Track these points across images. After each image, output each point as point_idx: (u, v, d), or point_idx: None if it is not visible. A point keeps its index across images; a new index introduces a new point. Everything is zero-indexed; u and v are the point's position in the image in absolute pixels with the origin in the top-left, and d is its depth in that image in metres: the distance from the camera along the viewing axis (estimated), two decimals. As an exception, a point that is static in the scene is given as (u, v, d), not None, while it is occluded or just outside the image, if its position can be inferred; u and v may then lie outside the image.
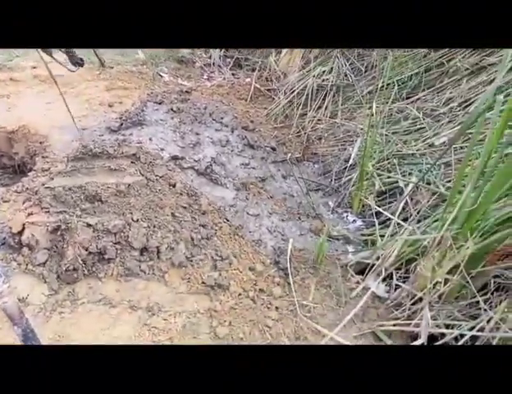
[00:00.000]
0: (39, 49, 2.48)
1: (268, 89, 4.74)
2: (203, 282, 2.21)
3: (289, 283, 2.28)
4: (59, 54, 2.79)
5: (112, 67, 4.62)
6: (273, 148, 3.66)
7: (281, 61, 5.01)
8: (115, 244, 2.22)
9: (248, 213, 2.79)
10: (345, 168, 3.30)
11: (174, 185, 2.61)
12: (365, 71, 4.24)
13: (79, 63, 2.49)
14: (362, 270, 2.40)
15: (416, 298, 1.99)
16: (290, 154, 3.48)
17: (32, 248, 2.19)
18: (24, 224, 2.23)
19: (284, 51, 4.95)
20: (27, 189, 2.63)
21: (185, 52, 5.52)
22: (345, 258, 2.51)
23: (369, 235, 2.69)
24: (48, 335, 1.80)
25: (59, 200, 2.31)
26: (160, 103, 3.69)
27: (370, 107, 3.49)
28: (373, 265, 2.31)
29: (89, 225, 2.21)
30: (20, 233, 2.22)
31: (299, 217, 2.91)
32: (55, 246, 2.18)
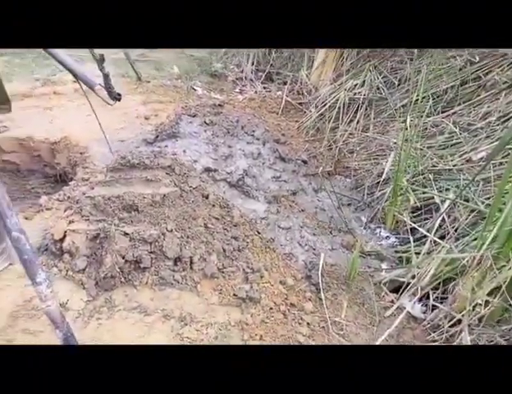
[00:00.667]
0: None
1: (300, 103, 4.77)
2: (234, 294, 2.23)
3: (320, 299, 2.26)
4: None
5: (149, 81, 4.79)
6: (304, 162, 3.66)
7: (312, 74, 5.03)
8: (150, 253, 2.28)
9: (279, 227, 2.79)
10: (378, 183, 3.26)
11: (207, 197, 2.66)
12: (398, 85, 4.19)
13: (117, 98, 2.61)
14: (396, 288, 2.34)
15: (454, 320, 1.92)
16: (321, 168, 3.47)
17: (72, 255, 2.28)
18: (65, 231, 2.33)
19: (315, 64, 4.97)
20: (68, 197, 2.75)
21: (217, 66, 5.66)
22: (379, 276, 2.46)
23: (404, 252, 2.63)
24: (85, 340, 1.85)
25: (99, 209, 2.40)
26: (194, 116, 3.79)
27: (404, 121, 3.44)
28: (408, 284, 2.26)
29: (126, 234, 2.28)
30: (62, 240, 2.32)
31: (331, 232, 2.89)
32: (94, 254, 2.26)
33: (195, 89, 4.92)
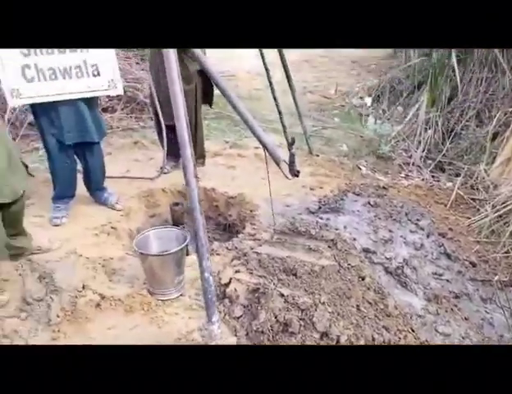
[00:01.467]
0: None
1: (473, 198, 4.39)
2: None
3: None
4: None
5: (318, 155, 5.15)
6: (473, 264, 3.29)
7: (492, 170, 4.63)
8: (300, 319, 2.34)
9: (436, 330, 2.54)
10: None
11: (363, 278, 2.63)
12: None
13: (296, 175, 2.91)
14: None
15: None
16: (497, 277, 3.06)
17: (232, 301, 2.51)
18: (230, 278, 2.61)
19: (498, 160, 4.57)
20: (236, 248, 3.09)
21: (385, 148, 5.72)
22: None
23: None
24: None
25: (262, 266, 2.62)
26: (358, 195, 3.88)
27: None
28: None
29: (282, 295, 2.41)
30: (226, 285, 2.59)
31: (501, 354, 2.47)
32: (250, 305, 2.45)
33: (360, 168, 5.06)
